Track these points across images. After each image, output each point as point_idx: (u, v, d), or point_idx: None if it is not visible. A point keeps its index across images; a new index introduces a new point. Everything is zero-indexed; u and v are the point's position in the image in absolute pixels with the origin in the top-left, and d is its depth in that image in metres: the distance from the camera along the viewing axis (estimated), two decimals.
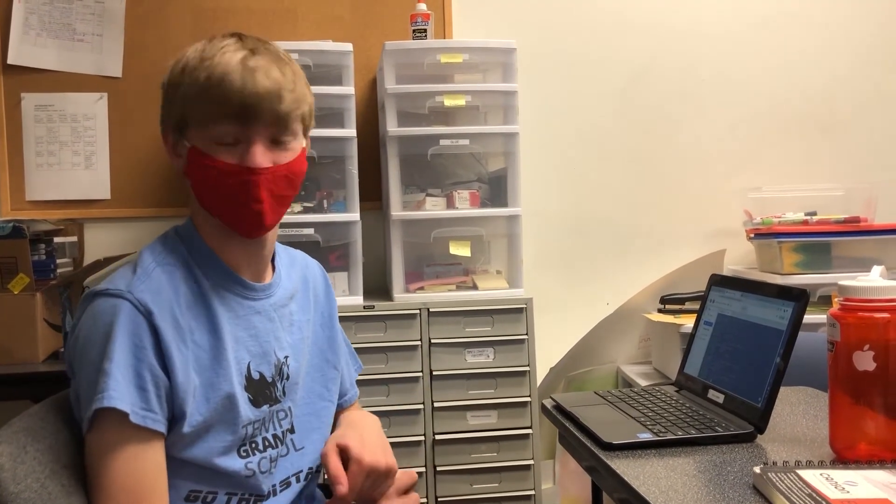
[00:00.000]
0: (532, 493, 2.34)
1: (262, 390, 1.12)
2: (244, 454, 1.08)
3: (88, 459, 1.00)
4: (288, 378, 1.16)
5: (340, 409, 1.32)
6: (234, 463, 1.07)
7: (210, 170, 1.06)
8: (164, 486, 1.01)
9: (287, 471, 1.15)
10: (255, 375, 1.11)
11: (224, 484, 1.07)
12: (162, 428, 1.01)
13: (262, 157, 1.07)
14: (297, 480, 1.18)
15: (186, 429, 1.02)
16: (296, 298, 1.22)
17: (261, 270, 1.16)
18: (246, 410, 1.08)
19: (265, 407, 1.12)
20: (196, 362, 1.05)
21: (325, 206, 2.39)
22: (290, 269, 1.24)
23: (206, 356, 1.06)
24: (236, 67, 1.06)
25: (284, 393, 1.16)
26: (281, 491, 1.14)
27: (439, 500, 2.30)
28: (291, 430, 1.17)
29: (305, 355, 1.22)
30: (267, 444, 1.12)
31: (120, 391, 0.97)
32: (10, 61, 2.55)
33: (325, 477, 1.13)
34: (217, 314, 1.08)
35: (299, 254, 1.31)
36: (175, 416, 1.02)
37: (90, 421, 0.98)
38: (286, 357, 1.16)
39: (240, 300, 1.12)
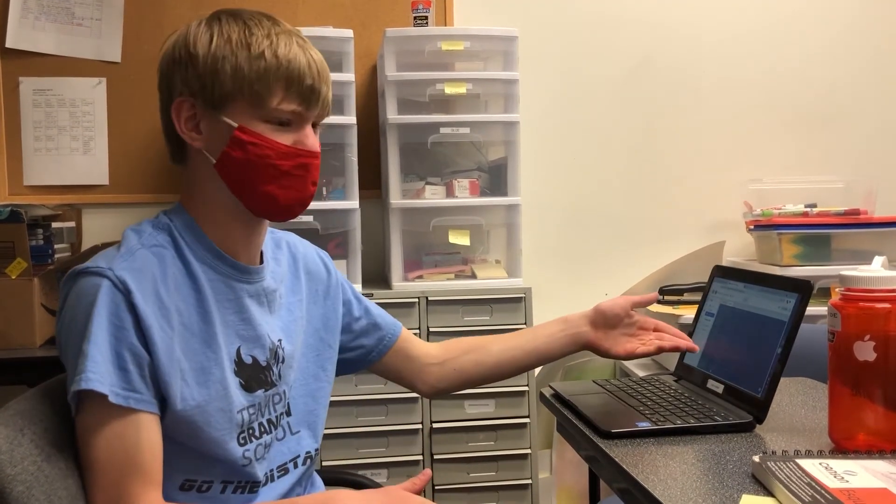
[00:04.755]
0: (529, 482, 2.35)
1: (256, 375, 1.10)
2: (242, 441, 1.07)
3: (78, 441, 0.99)
4: (283, 361, 1.15)
5: (388, 345, 1.35)
6: (232, 450, 1.05)
7: (264, 149, 1.04)
8: (154, 464, 0.99)
9: (284, 455, 1.14)
10: (248, 360, 1.10)
11: (220, 472, 1.06)
12: (149, 407, 0.98)
13: (314, 139, 1.09)
14: (295, 466, 1.16)
15: (181, 414, 1.01)
16: (285, 281, 1.20)
17: (254, 254, 1.15)
18: (238, 396, 1.07)
19: (259, 392, 1.10)
20: (185, 344, 1.03)
21: (324, 193, 2.38)
22: (277, 252, 1.22)
23: (196, 339, 1.04)
24: (298, 49, 1.05)
25: (280, 376, 1.14)
26: (279, 477, 1.13)
27: (436, 488, 2.31)
28: (287, 413, 1.16)
29: (299, 335, 1.20)
30: (262, 429, 1.11)
31: (99, 372, 0.95)
32: (8, 45, 2.53)
33: None
34: (207, 297, 1.06)
35: (285, 234, 1.28)
36: (162, 397, 1.00)
37: (75, 403, 0.97)
38: (279, 340, 1.15)
39: (231, 283, 1.10)
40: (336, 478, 1.45)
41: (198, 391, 1.03)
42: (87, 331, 0.96)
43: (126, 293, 0.98)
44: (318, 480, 1.27)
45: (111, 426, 0.97)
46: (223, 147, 1.06)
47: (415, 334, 2.26)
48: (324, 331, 1.26)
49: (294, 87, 1.05)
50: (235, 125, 1.04)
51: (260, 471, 1.09)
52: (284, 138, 1.06)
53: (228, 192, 1.08)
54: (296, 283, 1.22)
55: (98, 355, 0.96)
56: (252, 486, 1.09)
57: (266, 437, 1.11)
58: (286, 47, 1.05)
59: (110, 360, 0.96)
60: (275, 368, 1.13)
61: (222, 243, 1.10)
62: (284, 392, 1.15)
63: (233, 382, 1.07)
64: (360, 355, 1.34)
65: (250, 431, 1.09)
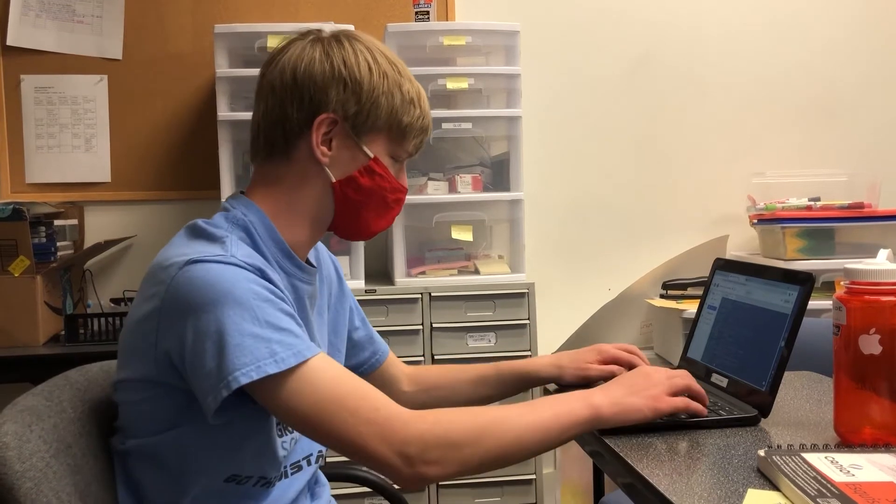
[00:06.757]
0: (533, 477, 2.35)
1: None
2: (280, 433, 1.07)
3: (289, 414, 0.95)
4: None
5: (379, 361, 1.35)
6: (276, 440, 1.06)
7: (385, 182, 1.12)
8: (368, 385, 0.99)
9: (299, 454, 1.15)
10: None
11: (260, 467, 1.06)
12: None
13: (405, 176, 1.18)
14: (308, 464, 1.17)
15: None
16: (318, 282, 1.22)
17: (306, 256, 1.17)
18: None
19: None
20: None
21: None
22: (313, 255, 1.24)
23: None
24: (428, 100, 1.17)
25: None
26: (293, 474, 1.14)
27: (440, 483, 2.31)
28: None
29: (324, 339, 1.22)
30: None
31: (296, 344, 0.94)
32: (9, 43, 2.54)
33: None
34: (280, 289, 1.06)
35: None
36: None
37: (263, 386, 0.93)
38: (315, 342, 1.16)
39: (295, 281, 1.11)
40: (341, 473, 1.45)
41: None
42: (256, 312, 0.94)
43: (260, 272, 0.98)
44: (322, 477, 1.27)
45: (323, 374, 0.96)
46: (352, 171, 1.10)
47: (417, 330, 2.29)
48: (334, 335, 1.27)
49: (422, 138, 1.16)
50: (371, 156, 1.11)
51: (283, 465, 1.10)
52: (394, 173, 1.14)
53: (327, 206, 1.11)
54: (322, 287, 1.24)
55: (290, 330, 0.96)
56: (276, 478, 1.09)
57: (295, 433, 1.11)
58: (426, 100, 1.15)
59: (293, 329, 0.96)
60: None
61: (292, 243, 1.11)
62: None
63: None
64: (351, 367, 1.33)
65: (282, 424, 1.09)
